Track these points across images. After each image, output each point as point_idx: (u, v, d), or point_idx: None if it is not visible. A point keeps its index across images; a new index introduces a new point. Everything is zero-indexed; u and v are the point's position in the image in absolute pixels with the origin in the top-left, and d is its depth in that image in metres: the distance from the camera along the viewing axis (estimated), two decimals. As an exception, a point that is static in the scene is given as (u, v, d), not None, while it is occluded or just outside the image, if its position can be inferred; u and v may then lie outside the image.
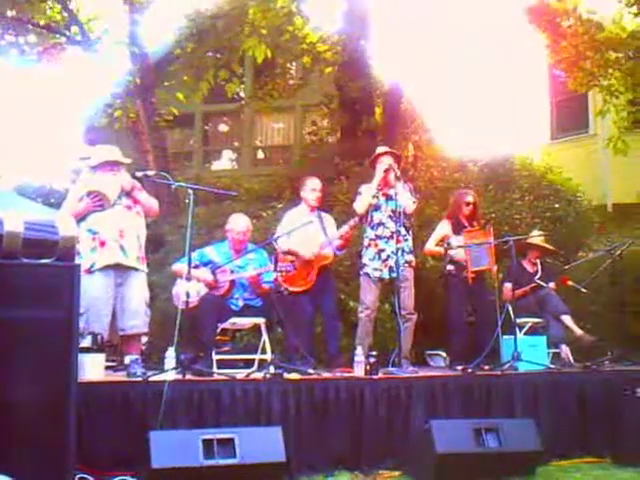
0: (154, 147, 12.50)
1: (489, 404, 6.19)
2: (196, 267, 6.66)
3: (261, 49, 10.73)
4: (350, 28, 12.54)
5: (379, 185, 7.24)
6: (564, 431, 6.29)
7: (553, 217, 11.05)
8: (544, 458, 5.80)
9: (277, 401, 5.52)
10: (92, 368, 5.45)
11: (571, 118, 15.88)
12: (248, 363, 6.87)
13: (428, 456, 5.34)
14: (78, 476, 4.59)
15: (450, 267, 7.58)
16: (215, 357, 6.58)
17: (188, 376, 5.52)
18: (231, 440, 4.87)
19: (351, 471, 5.59)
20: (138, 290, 6.27)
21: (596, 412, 6.43)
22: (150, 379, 5.40)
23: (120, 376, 6.04)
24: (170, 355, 5.66)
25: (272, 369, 5.82)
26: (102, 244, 6.13)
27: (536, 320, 7.94)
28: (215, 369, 6.34)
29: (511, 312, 7.40)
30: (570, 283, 8.11)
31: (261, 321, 6.83)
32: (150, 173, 6.49)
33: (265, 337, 6.82)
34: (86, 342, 5.61)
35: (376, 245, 7.22)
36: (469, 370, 6.51)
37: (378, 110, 13.89)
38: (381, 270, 7.16)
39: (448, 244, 7.59)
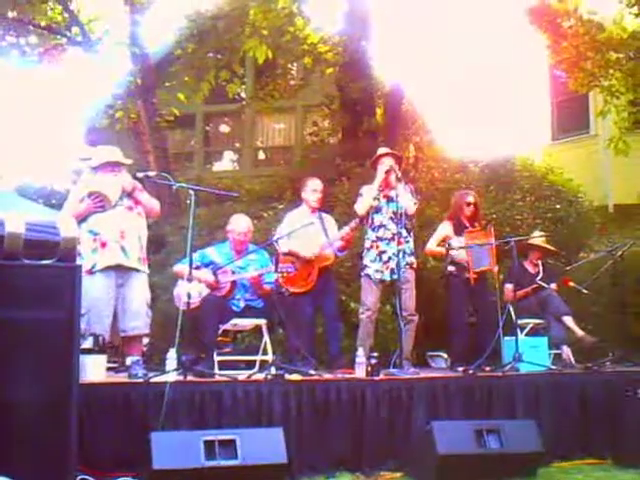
0: (155, 148, 12.51)
1: (490, 405, 6.18)
2: (197, 268, 6.66)
3: (262, 50, 10.74)
4: (351, 29, 12.56)
5: (380, 186, 7.24)
6: (565, 432, 6.28)
7: (554, 218, 11.05)
8: (545, 459, 5.79)
9: (278, 402, 5.51)
10: (93, 369, 5.45)
11: (572, 119, 15.89)
12: (249, 364, 6.87)
13: (429, 457, 5.34)
14: (79, 477, 4.58)
15: (451, 268, 7.58)
16: (216, 358, 6.58)
17: (189, 377, 5.52)
18: (232, 441, 4.86)
19: (352, 472, 5.58)
20: (139, 291, 6.27)
21: (597, 413, 6.42)
22: (151, 380, 5.40)
23: (121, 377, 6.04)
24: (171, 356, 5.66)
25: (273, 370, 5.82)
26: (103, 245, 6.12)
27: (537, 321, 7.94)
28: (216, 370, 6.34)
29: (512, 313, 7.40)
30: (571, 284, 8.10)
31: (262, 322, 6.83)
32: (151, 174, 6.49)
33: (266, 338, 6.82)
34: (87, 343, 5.61)
35: (377, 247, 7.22)
36: (470, 371, 6.51)
37: (379, 111, 13.90)
38: (382, 272, 7.16)
39: (449, 245, 7.59)
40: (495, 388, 6.24)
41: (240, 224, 7.07)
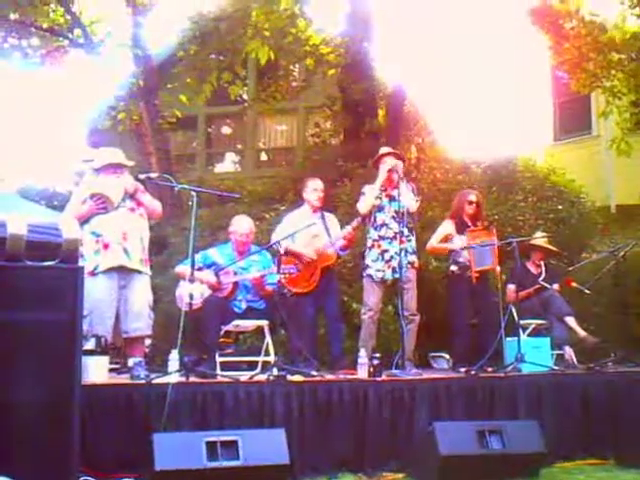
0: (157, 149, 12.52)
1: (492, 406, 6.18)
2: (199, 269, 6.67)
3: (264, 51, 10.75)
4: (353, 30, 12.55)
5: (382, 186, 7.24)
6: (568, 433, 6.28)
7: (556, 218, 11.05)
8: (548, 460, 5.78)
9: (280, 403, 5.51)
10: (96, 370, 5.45)
11: (574, 119, 15.89)
12: (251, 365, 6.86)
13: (432, 458, 5.33)
14: (82, 478, 4.59)
15: (453, 267, 7.59)
16: (218, 359, 6.58)
17: (192, 378, 5.53)
18: (234, 442, 4.86)
19: (355, 473, 5.58)
20: (141, 292, 6.27)
21: (599, 414, 6.41)
22: (153, 381, 5.40)
23: (124, 378, 6.04)
24: (173, 357, 5.65)
25: (275, 371, 5.83)
26: (105, 246, 6.13)
27: (540, 322, 7.94)
28: (218, 371, 6.34)
29: (515, 314, 7.41)
30: (574, 285, 8.09)
31: (264, 323, 6.83)
32: (153, 175, 6.50)
33: (268, 339, 6.81)
34: (90, 344, 5.60)
35: (379, 246, 7.22)
36: (472, 372, 6.50)
37: (381, 112, 13.91)
38: (384, 271, 7.15)
39: (451, 242, 7.61)
40: (497, 389, 6.24)
41: (242, 225, 7.08)
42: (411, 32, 12.51)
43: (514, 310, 7.47)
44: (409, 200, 7.08)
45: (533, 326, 7.92)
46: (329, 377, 6.14)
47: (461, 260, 7.54)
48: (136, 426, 5.09)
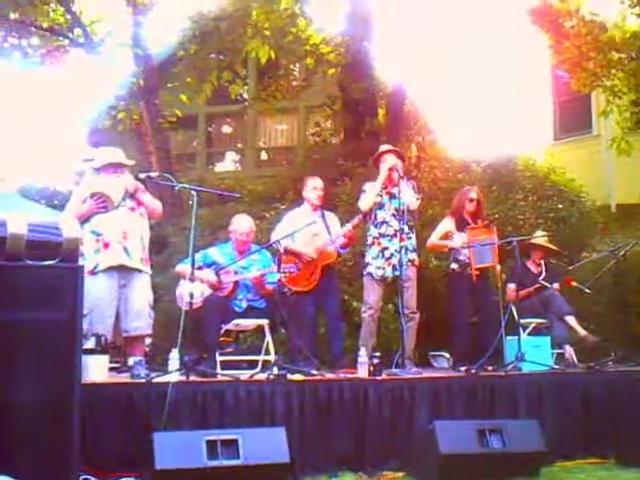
0: (157, 149, 12.52)
1: (493, 405, 6.18)
2: (200, 268, 6.67)
3: (264, 50, 10.75)
4: (353, 29, 12.56)
5: (383, 184, 7.24)
6: (568, 432, 6.28)
7: (557, 217, 11.05)
8: (548, 459, 5.78)
9: (281, 402, 5.51)
10: (96, 369, 5.45)
11: (574, 119, 15.89)
12: (252, 364, 6.86)
13: (432, 457, 5.33)
14: (82, 477, 4.59)
15: (454, 265, 7.59)
16: (219, 358, 6.58)
17: (192, 377, 5.53)
18: (235, 441, 4.86)
19: (355, 472, 5.58)
20: (142, 292, 6.28)
21: (600, 413, 6.41)
22: (154, 380, 5.40)
23: (124, 377, 6.04)
24: (174, 356, 5.65)
25: (276, 370, 5.83)
26: (106, 246, 6.14)
27: (540, 321, 7.93)
28: (219, 370, 6.34)
29: (515, 313, 7.41)
30: (574, 284, 8.09)
31: (265, 322, 6.83)
32: (153, 175, 6.49)
33: (269, 338, 6.82)
34: (90, 343, 5.60)
35: (379, 243, 7.22)
36: (473, 371, 6.51)
37: (381, 111, 13.91)
38: (384, 268, 7.15)
39: (451, 239, 7.62)
40: (497, 388, 6.24)
41: (242, 224, 7.08)
42: (411, 31, 12.53)
43: (514, 309, 7.48)
44: (410, 198, 7.08)
45: (533, 325, 7.92)
46: (329, 376, 6.14)
47: (461, 258, 7.54)
48: (136, 425, 5.09)
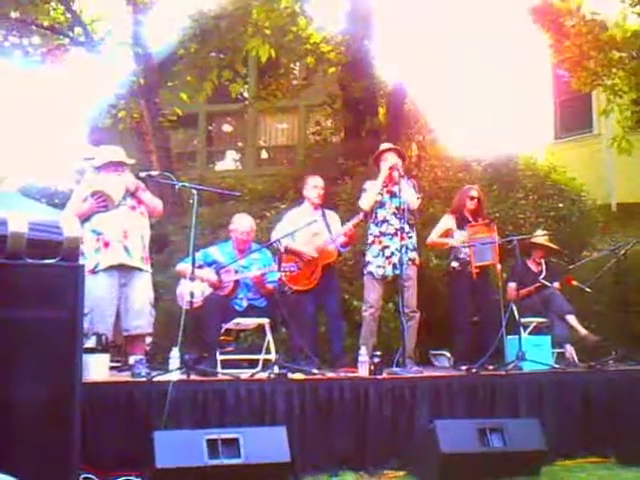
0: (158, 147, 12.51)
1: (493, 404, 6.18)
2: (200, 267, 6.67)
3: (265, 49, 10.73)
4: (353, 28, 12.55)
5: (384, 182, 7.24)
6: (568, 431, 6.28)
7: (557, 216, 11.04)
8: (549, 458, 5.79)
9: (281, 401, 5.51)
10: (96, 368, 5.45)
11: (575, 118, 15.88)
12: (252, 363, 6.86)
13: (432, 456, 5.33)
14: (82, 476, 4.60)
15: (454, 264, 7.58)
16: (219, 357, 6.57)
17: (192, 376, 5.54)
18: (235, 440, 4.87)
19: (356, 471, 5.58)
20: (142, 290, 6.28)
21: (600, 412, 6.41)
22: (154, 379, 5.40)
23: (124, 376, 6.02)
24: (174, 355, 5.65)
25: (276, 369, 5.82)
26: (106, 245, 6.14)
27: (540, 320, 7.93)
28: (219, 369, 6.34)
29: (515, 312, 7.41)
30: (574, 283, 8.09)
31: (265, 321, 6.82)
32: (154, 173, 6.49)
33: (269, 337, 6.81)
34: (90, 342, 5.60)
35: (380, 242, 7.21)
36: (473, 370, 6.50)
37: (382, 110, 13.91)
38: (384, 267, 7.15)
39: (451, 237, 7.62)
40: (498, 387, 6.24)
41: (243, 223, 7.08)
42: (411, 30, 12.52)
43: (515, 308, 7.48)
44: (410, 197, 7.08)
45: (534, 324, 7.91)
46: (330, 375, 6.12)
47: (462, 256, 7.53)
48: (137, 424, 5.09)
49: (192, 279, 5.82)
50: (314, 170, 10.11)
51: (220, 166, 19.07)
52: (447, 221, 7.77)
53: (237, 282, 6.83)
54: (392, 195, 7.19)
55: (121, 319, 6.23)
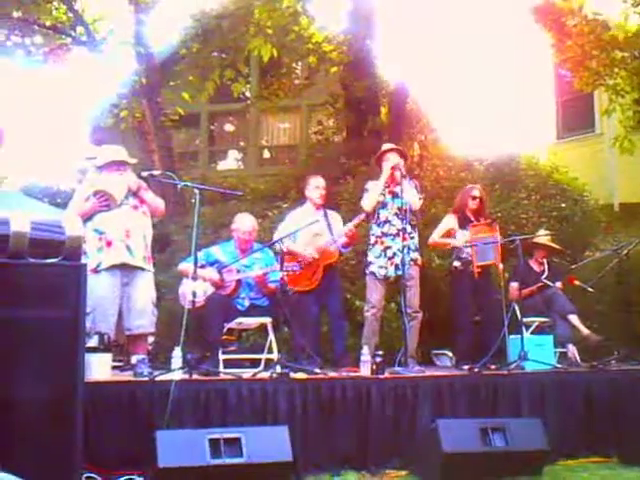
0: (160, 147, 12.51)
1: (496, 403, 6.18)
2: (202, 267, 6.67)
3: (267, 49, 10.73)
4: (355, 28, 12.54)
5: (386, 182, 7.23)
6: (571, 431, 6.28)
7: (559, 216, 11.03)
8: (551, 457, 5.78)
9: (284, 400, 5.52)
10: (99, 368, 5.45)
11: (577, 117, 15.86)
12: (254, 363, 6.87)
13: (435, 455, 5.33)
14: (85, 475, 4.60)
15: (456, 263, 7.58)
16: (221, 357, 6.58)
17: (195, 376, 5.54)
18: (238, 439, 4.87)
19: (358, 470, 5.58)
20: (144, 290, 6.29)
21: (603, 411, 6.41)
22: (157, 379, 5.40)
23: (127, 376, 6.03)
24: (177, 355, 5.65)
25: (278, 368, 5.82)
26: (108, 244, 6.15)
27: (543, 319, 7.93)
28: (221, 369, 6.35)
29: (517, 311, 7.41)
30: (577, 283, 8.09)
31: (267, 321, 6.83)
32: (156, 173, 6.50)
33: (271, 337, 6.82)
34: (93, 342, 5.62)
35: (382, 242, 7.21)
36: (476, 369, 6.51)
37: (384, 110, 13.89)
38: (386, 268, 7.15)
39: (454, 238, 7.61)
40: (500, 386, 6.24)
41: (245, 223, 7.07)
42: (413, 29, 12.49)
43: (517, 308, 7.48)
44: (412, 197, 7.08)
45: (536, 324, 7.91)
46: (332, 374, 6.13)
47: (464, 256, 7.52)
48: (139, 423, 5.10)
49: (194, 278, 5.82)
50: (316, 170, 10.11)
51: (222, 166, 19.05)
52: (449, 221, 7.76)
53: (239, 281, 6.83)
54: (394, 196, 7.19)
55: (123, 318, 6.24)
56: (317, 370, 6.09)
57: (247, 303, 6.90)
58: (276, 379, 5.66)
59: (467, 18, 13.64)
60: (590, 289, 8.04)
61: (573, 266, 8.75)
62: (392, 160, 7.24)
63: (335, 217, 7.52)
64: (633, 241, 7.93)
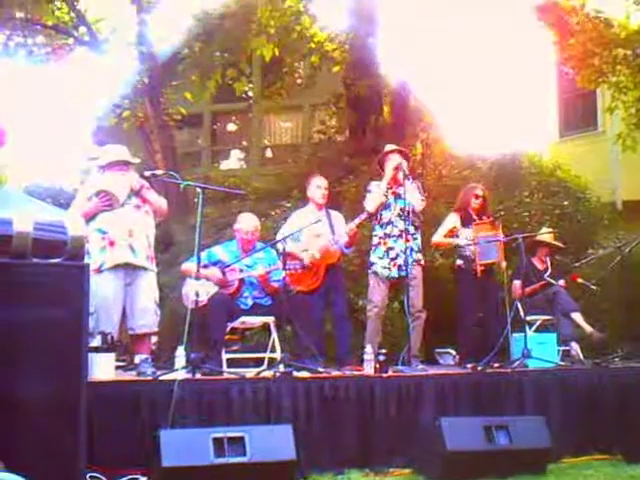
0: (162, 147, 12.53)
1: (499, 401, 6.16)
2: (205, 266, 6.67)
3: (269, 48, 10.76)
4: (357, 26, 12.54)
5: (389, 183, 7.23)
6: (574, 428, 6.26)
7: (562, 214, 11.04)
8: (554, 455, 5.75)
9: (287, 399, 5.50)
10: (102, 367, 5.44)
11: (580, 115, 15.86)
12: (258, 362, 6.88)
13: (438, 454, 5.32)
14: (89, 475, 4.59)
15: (459, 262, 7.58)
16: (225, 356, 6.58)
17: (198, 375, 5.52)
18: (241, 438, 4.85)
19: (361, 469, 5.56)
20: (148, 289, 6.28)
21: (606, 409, 6.40)
22: (160, 378, 5.41)
23: (130, 375, 6.03)
24: (180, 354, 5.66)
25: (282, 367, 5.82)
26: (111, 244, 6.13)
27: (546, 317, 7.93)
28: (225, 368, 6.35)
29: (520, 309, 7.41)
30: (580, 280, 8.09)
31: (270, 320, 6.83)
32: (158, 173, 6.51)
33: (275, 336, 6.82)
34: (96, 341, 5.60)
35: (385, 243, 7.21)
36: (479, 368, 6.50)
37: (386, 108, 13.87)
38: (389, 269, 7.16)
39: (457, 236, 7.61)
40: (504, 384, 6.23)
41: (247, 222, 7.07)
42: (416, 28, 12.50)
43: (520, 306, 7.47)
44: (415, 199, 7.07)
45: (539, 322, 7.92)
46: (335, 373, 6.13)
47: (467, 254, 7.53)
48: (143, 423, 5.09)
49: (197, 278, 5.82)
50: (319, 169, 10.13)
51: (225, 165, 19.07)
52: (452, 219, 7.76)
53: (242, 281, 6.83)
54: (397, 197, 7.19)
55: (126, 318, 6.24)
56: (320, 369, 6.09)
57: (250, 302, 6.90)
58: (279, 378, 5.65)
59: (470, 16, 13.63)
60: (593, 287, 8.05)
61: (576, 264, 8.75)
62: (395, 161, 7.24)
63: (338, 217, 7.51)
64: (636, 238, 7.93)
